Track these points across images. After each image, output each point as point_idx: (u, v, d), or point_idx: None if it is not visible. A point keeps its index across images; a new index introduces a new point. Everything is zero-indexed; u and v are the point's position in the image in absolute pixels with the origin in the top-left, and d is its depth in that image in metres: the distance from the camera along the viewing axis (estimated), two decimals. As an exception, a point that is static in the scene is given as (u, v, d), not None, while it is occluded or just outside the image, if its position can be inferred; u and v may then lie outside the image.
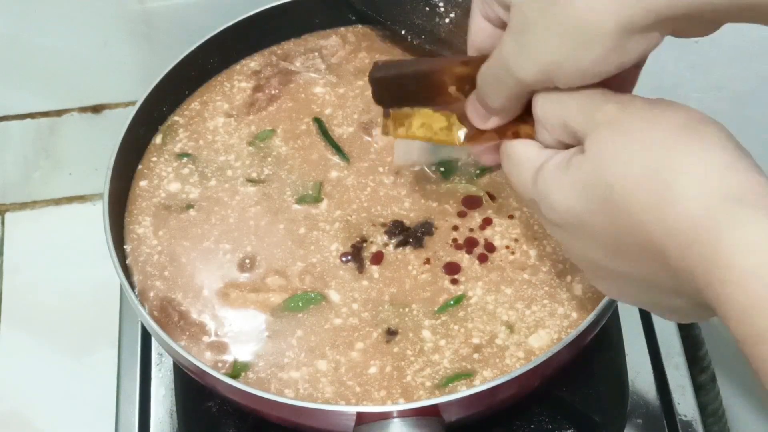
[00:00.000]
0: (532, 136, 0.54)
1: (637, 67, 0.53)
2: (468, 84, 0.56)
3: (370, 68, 0.60)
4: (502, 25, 0.54)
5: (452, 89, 0.57)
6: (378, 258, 0.70)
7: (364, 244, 0.71)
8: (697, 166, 0.43)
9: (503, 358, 0.65)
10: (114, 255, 0.68)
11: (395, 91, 0.59)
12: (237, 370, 0.66)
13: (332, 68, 0.81)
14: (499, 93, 0.53)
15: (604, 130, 0.47)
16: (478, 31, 0.57)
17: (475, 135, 0.57)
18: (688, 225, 0.42)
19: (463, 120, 0.57)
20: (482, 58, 0.56)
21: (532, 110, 0.52)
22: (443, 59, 0.58)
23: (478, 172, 0.73)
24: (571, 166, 0.48)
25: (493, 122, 0.55)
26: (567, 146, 0.51)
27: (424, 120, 0.58)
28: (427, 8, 0.78)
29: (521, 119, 0.54)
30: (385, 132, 0.59)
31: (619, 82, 0.50)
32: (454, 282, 0.68)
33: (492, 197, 0.72)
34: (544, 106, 0.51)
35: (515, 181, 0.54)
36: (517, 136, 0.54)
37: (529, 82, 0.50)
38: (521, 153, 0.53)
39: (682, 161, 0.44)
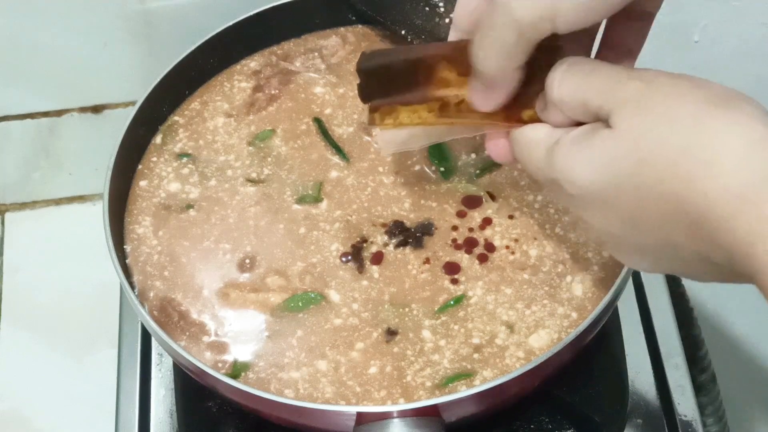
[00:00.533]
0: (535, 118, 0.53)
1: (641, 34, 0.54)
2: (460, 68, 0.55)
3: (358, 59, 0.59)
4: None
5: (444, 73, 0.56)
6: (378, 258, 0.70)
7: (364, 244, 0.71)
8: (735, 140, 0.44)
9: (503, 358, 0.65)
10: (114, 255, 0.68)
11: (385, 82, 0.58)
12: (237, 370, 0.66)
13: (332, 68, 0.81)
14: (494, 50, 0.51)
15: (634, 107, 0.47)
16: (465, 2, 0.56)
17: (475, 118, 0.56)
18: (729, 198, 0.43)
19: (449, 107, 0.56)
20: (460, 46, 0.56)
21: (542, 93, 0.52)
22: (434, 45, 0.57)
23: (478, 172, 0.73)
24: (595, 140, 0.48)
25: (496, 99, 0.54)
26: (579, 125, 0.51)
27: (411, 109, 0.57)
28: (427, 8, 0.78)
29: (522, 104, 0.54)
30: (372, 123, 0.59)
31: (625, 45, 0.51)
32: (454, 282, 0.68)
33: (492, 197, 0.72)
34: (561, 86, 0.51)
35: (529, 165, 0.54)
36: (521, 121, 0.54)
37: (528, 21, 0.48)
38: (531, 136, 0.53)
39: (719, 135, 0.44)
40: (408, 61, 0.58)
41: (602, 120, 0.49)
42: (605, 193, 0.48)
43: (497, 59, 0.51)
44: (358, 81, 0.60)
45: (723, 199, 0.43)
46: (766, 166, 0.43)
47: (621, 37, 0.55)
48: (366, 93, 0.59)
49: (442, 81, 0.57)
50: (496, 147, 0.58)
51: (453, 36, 0.59)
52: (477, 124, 0.57)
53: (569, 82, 0.50)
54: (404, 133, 0.60)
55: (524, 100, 0.54)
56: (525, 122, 0.54)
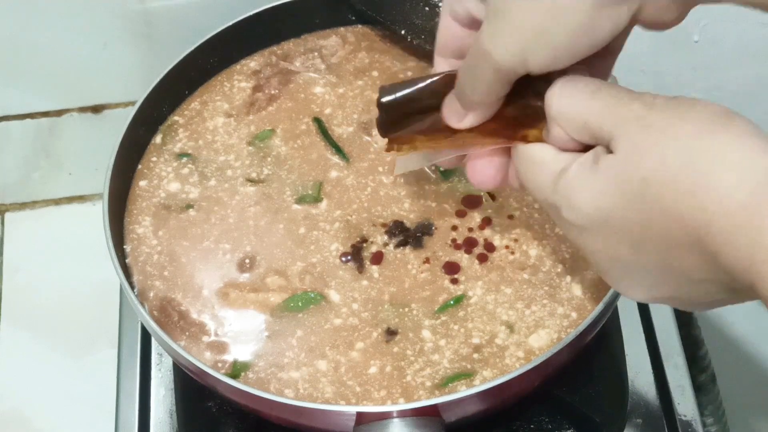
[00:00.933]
0: (540, 139, 0.54)
1: (610, 56, 0.55)
2: None
3: (378, 94, 0.60)
4: (470, 24, 0.55)
5: None
6: (378, 258, 0.70)
7: (364, 244, 0.71)
8: (734, 154, 0.45)
9: (503, 358, 0.65)
10: (114, 255, 0.68)
11: (407, 114, 0.59)
12: (237, 370, 0.66)
13: (332, 68, 0.81)
14: (478, 83, 0.54)
15: (635, 128, 0.48)
16: (445, 31, 0.58)
17: (482, 137, 0.57)
18: (731, 209, 0.44)
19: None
20: None
21: (541, 112, 0.53)
22: (451, 74, 0.59)
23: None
24: (599, 165, 0.49)
25: (468, 121, 0.56)
26: (582, 145, 0.52)
27: (429, 136, 0.58)
28: (427, 8, 0.78)
29: (527, 124, 0.54)
30: (390, 151, 0.60)
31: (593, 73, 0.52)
32: (454, 282, 0.68)
33: (492, 197, 0.72)
34: (561, 106, 0.51)
35: (532, 186, 0.54)
36: (525, 139, 0.54)
37: (505, 64, 0.51)
38: (538, 157, 0.54)
39: (719, 150, 0.45)
40: (429, 92, 0.59)
41: (602, 143, 0.50)
42: (610, 218, 0.49)
43: (479, 92, 0.54)
44: (377, 116, 0.60)
45: (722, 213, 0.44)
46: (764, 180, 0.44)
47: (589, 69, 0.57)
48: (387, 127, 0.60)
49: None
50: (476, 172, 0.59)
51: (438, 62, 0.60)
52: (484, 143, 0.57)
53: (568, 98, 0.51)
54: (416, 155, 0.61)
55: (528, 118, 0.54)
56: (529, 141, 0.55)
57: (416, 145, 0.59)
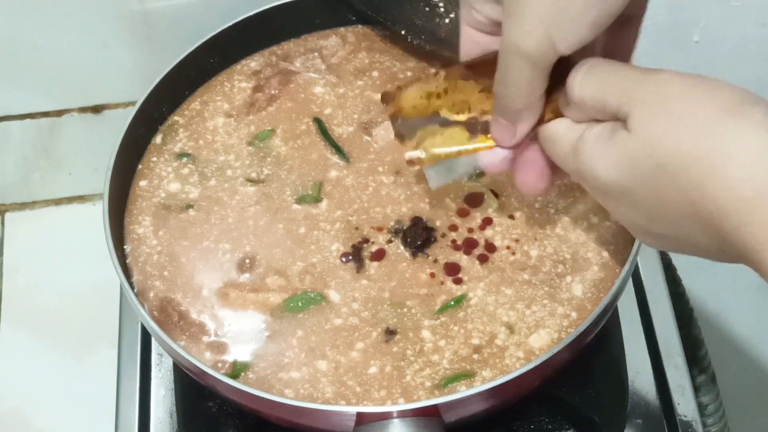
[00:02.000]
0: (558, 113, 0.56)
1: (633, 24, 0.57)
2: (483, 82, 0.57)
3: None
4: (491, 29, 0.57)
5: (460, 96, 0.58)
6: (378, 257, 0.70)
7: (365, 245, 0.70)
8: (750, 144, 0.46)
9: (503, 358, 0.65)
10: (114, 255, 0.68)
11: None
12: (237, 370, 0.66)
13: (332, 68, 0.81)
14: (516, 86, 0.54)
15: (649, 109, 0.49)
16: (467, 40, 0.59)
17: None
18: (739, 205, 0.45)
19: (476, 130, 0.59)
20: (482, 57, 0.57)
21: (559, 93, 0.54)
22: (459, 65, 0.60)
23: (478, 171, 0.73)
24: (616, 141, 0.51)
25: (520, 132, 0.57)
26: (598, 121, 0.53)
27: (443, 136, 0.59)
28: (427, 8, 0.78)
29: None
30: (411, 164, 0.61)
31: (618, 48, 0.55)
32: (454, 282, 0.68)
33: (495, 194, 0.72)
34: (582, 88, 0.53)
35: (558, 161, 0.56)
36: (541, 121, 0.56)
37: (535, 52, 0.52)
38: (555, 131, 0.56)
39: (735, 139, 0.46)
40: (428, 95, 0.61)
41: (620, 119, 0.51)
42: (627, 190, 0.51)
43: (520, 95, 0.55)
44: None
45: (733, 207, 0.45)
46: None
47: (611, 46, 0.58)
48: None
49: (463, 104, 0.59)
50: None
51: None
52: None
53: (589, 84, 0.53)
54: (445, 166, 0.63)
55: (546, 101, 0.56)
56: (544, 120, 0.56)
57: (435, 152, 0.60)
